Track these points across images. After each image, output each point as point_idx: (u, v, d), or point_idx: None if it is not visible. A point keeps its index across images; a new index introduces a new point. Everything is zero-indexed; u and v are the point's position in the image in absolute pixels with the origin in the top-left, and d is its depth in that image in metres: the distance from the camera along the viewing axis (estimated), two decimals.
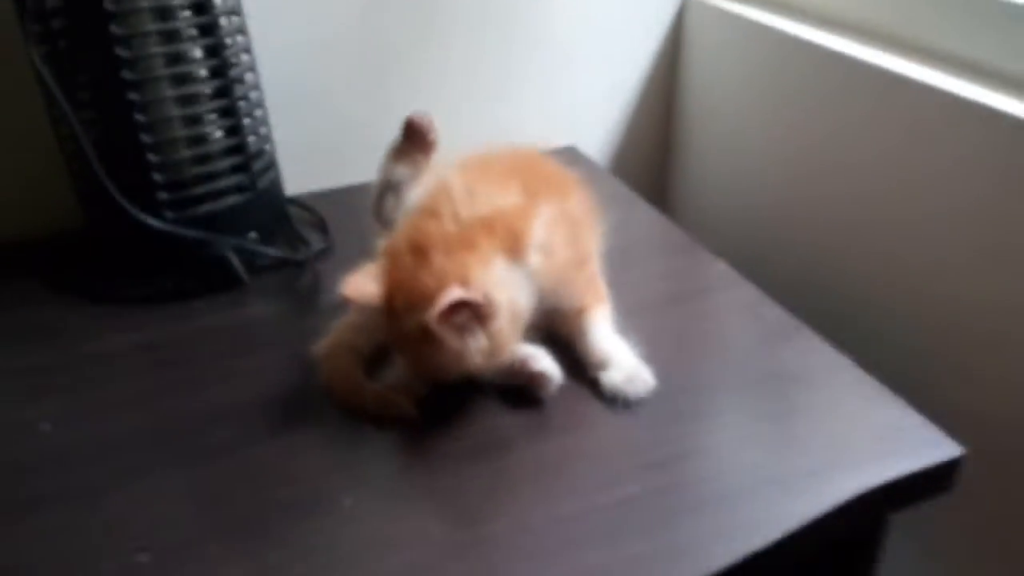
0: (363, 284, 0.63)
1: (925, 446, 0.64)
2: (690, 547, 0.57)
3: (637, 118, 1.23)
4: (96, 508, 0.61)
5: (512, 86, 1.16)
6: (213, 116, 0.85)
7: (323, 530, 0.58)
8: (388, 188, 0.80)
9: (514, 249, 0.65)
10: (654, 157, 1.27)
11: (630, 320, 0.77)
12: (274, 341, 0.79)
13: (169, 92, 0.80)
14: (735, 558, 0.56)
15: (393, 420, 0.67)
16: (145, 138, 0.79)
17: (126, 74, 0.76)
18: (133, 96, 0.77)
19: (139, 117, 0.78)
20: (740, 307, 0.81)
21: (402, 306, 0.63)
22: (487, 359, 0.64)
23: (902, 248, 0.88)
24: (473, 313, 0.61)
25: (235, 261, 0.85)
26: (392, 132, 0.83)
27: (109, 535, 0.58)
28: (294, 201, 1.01)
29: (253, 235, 0.87)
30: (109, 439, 0.67)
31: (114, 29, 0.75)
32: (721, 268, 0.87)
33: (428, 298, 0.60)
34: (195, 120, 0.83)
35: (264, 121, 0.91)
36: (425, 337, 0.61)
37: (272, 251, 0.88)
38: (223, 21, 0.81)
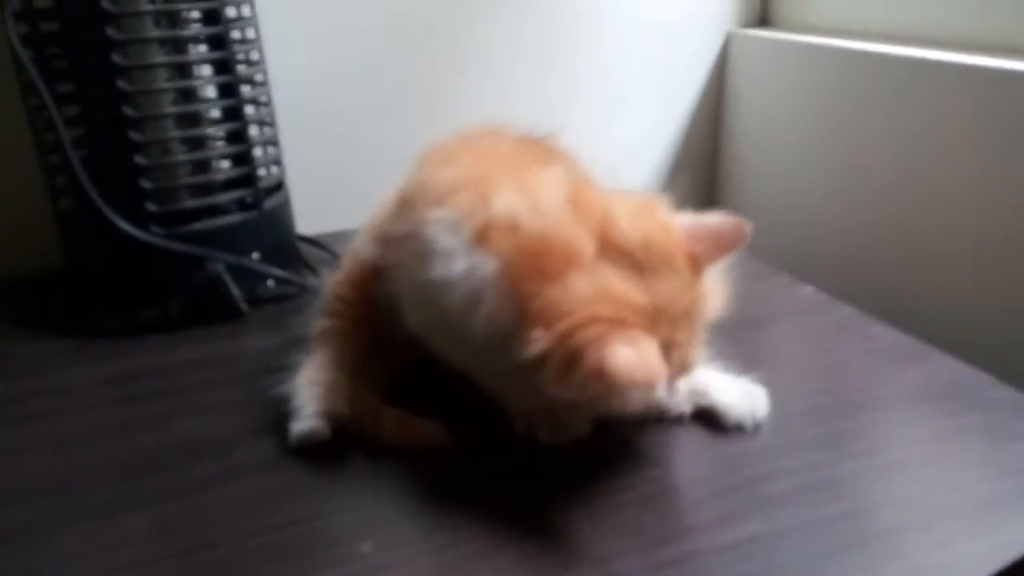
0: (643, 360, 0.42)
1: None
2: None
3: (684, 154, 1.13)
4: (31, 554, 0.45)
5: (554, 125, 1.06)
6: (215, 117, 0.74)
7: None
8: None
9: None
10: (702, 192, 1.16)
11: (711, 343, 0.63)
12: (272, 372, 0.64)
13: (165, 85, 0.70)
14: None
15: (420, 449, 0.52)
16: (135, 136, 0.68)
17: (115, 59, 0.66)
18: (123, 85, 0.66)
19: (128, 111, 0.67)
20: (841, 329, 0.67)
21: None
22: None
23: (994, 254, 0.75)
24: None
25: (231, 285, 0.71)
26: None
27: None
28: (307, 239, 0.89)
29: (255, 256, 0.74)
30: (57, 476, 0.52)
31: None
32: (808, 291, 0.74)
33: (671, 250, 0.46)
34: (194, 120, 0.72)
35: (274, 138, 0.80)
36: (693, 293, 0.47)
37: (276, 271, 0.75)
38: (230, 11, 0.72)
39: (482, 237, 0.47)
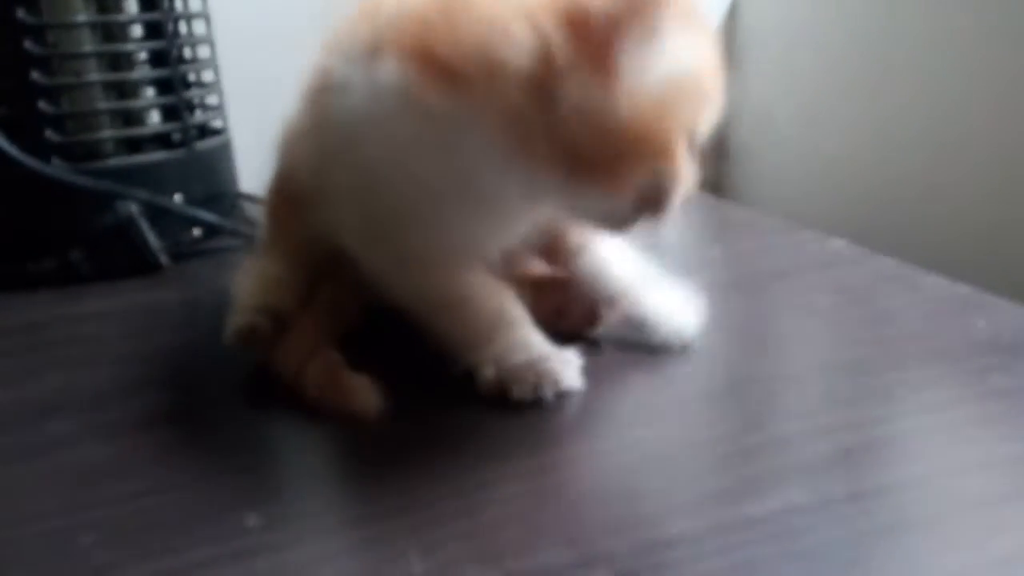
0: None
1: None
2: None
3: None
4: None
5: None
6: (137, 35, 0.63)
7: (210, 562, 0.30)
8: None
9: None
10: (712, 148, 1.04)
11: (730, 295, 0.53)
12: (184, 325, 0.52)
13: None
14: None
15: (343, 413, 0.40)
16: (31, 48, 0.57)
17: None
18: None
19: (23, 16, 0.56)
20: (884, 280, 0.55)
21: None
22: None
23: None
24: None
25: (147, 231, 0.59)
26: None
27: None
28: (253, 198, 0.77)
29: (178, 197, 0.62)
30: None
31: None
32: (839, 244, 0.62)
33: None
34: (110, 33, 0.61)
35: (211, 65, 0.69)
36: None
37: (205, 215, 0.63)
38: None
39: (377, 47, 0.37)
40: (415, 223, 0.39)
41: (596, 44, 0.33)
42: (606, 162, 0.35)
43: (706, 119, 0.38)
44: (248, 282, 0.46)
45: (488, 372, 0.40)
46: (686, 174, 0.38)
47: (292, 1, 0.85)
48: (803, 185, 0.92)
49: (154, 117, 0.65)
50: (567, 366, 0.40)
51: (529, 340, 0.41)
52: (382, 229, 0.40)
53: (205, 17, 0.67)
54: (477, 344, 0.41)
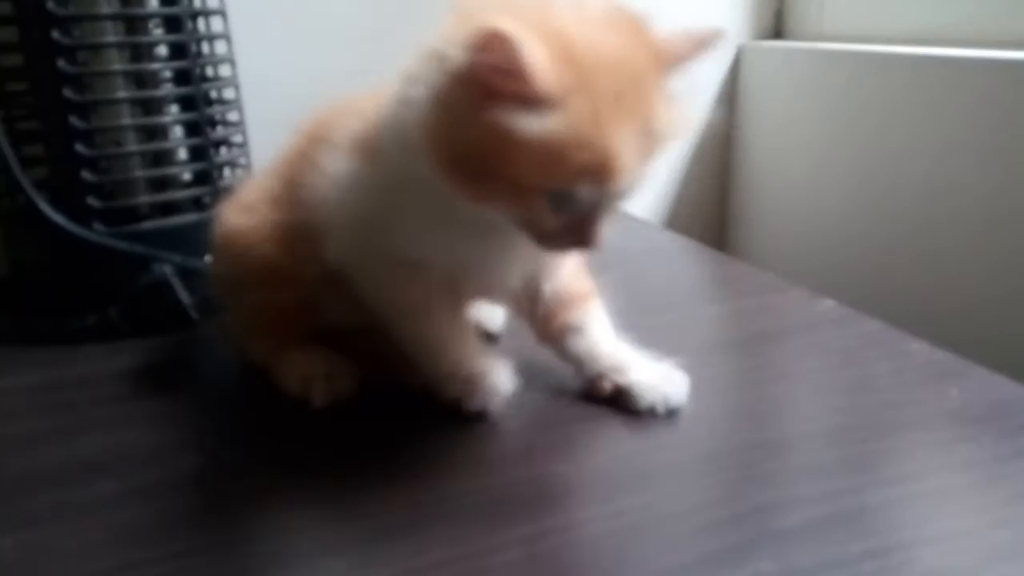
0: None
1: None
2: None
3: (695, 169, 1.05)
4: None
5: None
6: (172, 107, 0.67)
7: None
8: None
9: None
10: (713, 210, 1.08)
11: (723, 358, 0.56)
12: (214, 381, 0.57)
13: (116, 67, 0.64)
14: None
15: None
16: (76, 122, 0.61)
17: (57, 36, 0.60)
18: (63, 66, 0.60)
19: (70, 95, 0.61)
20: (868, 343, 0.58)
21: None
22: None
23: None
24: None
25: (180, 289, 0.64)
26: None
27: None
28: None
29: (209, 258, 0.67)
30: None
31: None
32: (829, 305, 0.65)
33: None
34: (148, 106, 0.66)
35: (240, 131, 0.73)
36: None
37: None
38: None
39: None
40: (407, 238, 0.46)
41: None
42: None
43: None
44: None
45: (448, 389, 0.48)
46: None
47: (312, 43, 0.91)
48: (802, 245, 0.96)
49: (186, 174, 0.70)
50: (499, 374, 0.47)
51: (473, 354, 0.48)
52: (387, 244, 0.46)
53: (235, 86, 0.72)
54: (433, 354, 0.48)
